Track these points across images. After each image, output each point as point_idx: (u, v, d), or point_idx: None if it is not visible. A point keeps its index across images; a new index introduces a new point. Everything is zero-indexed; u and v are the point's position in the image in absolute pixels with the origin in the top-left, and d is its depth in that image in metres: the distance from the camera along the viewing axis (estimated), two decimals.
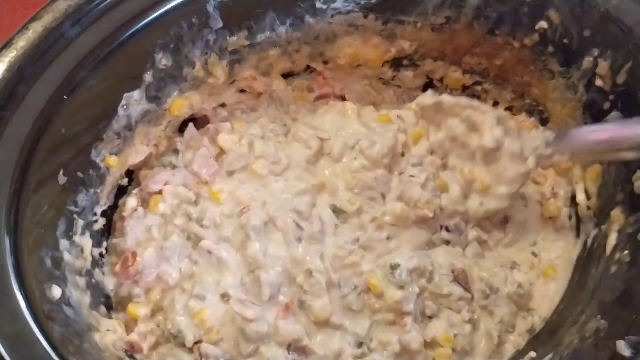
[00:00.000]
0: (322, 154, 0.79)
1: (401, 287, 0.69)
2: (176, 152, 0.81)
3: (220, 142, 0.79)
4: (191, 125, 0.80)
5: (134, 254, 0.72)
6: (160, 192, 0.77)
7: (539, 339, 0.71)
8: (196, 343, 0.68)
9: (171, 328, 0.68)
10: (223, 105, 0.83)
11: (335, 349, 0.69)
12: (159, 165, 0.80)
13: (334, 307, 0.70)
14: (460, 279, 0.71)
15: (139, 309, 0.70)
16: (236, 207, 0.75)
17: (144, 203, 0.77)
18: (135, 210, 0.75)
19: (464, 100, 0.74)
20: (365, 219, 0.74)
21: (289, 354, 0.68)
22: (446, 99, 0.75)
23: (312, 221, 0.73)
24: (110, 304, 0.72)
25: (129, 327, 0.70)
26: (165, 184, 0.77)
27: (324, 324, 0.69)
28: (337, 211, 0.75)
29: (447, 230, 0.75)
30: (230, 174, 0.78)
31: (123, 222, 0.75)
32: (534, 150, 0.71)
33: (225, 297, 0.70)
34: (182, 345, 0.68)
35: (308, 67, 0.85)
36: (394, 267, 0.70)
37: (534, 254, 0.77)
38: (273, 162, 0.77)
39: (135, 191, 0.77)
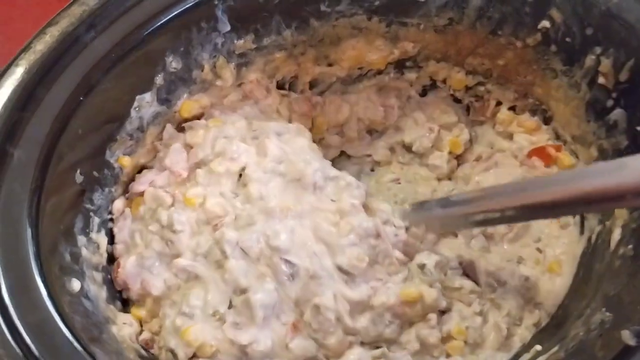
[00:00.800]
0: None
1: (430, 285, 0.71)
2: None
3: (187, 139, 0.77)
4: (169, 125, 0.78)
5: (118, 264, 0.72)
6: (142, 194, 0.75)
7: (544, 333, 0.72)
8: (192, 358, 0.67)
9: (163, 345, 0.67)
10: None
11: (354, 358, 0.68)
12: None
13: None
14: (469, 270, 0.72)
15: (141, 312, 0.71)
16: (208, 219, 0.71)
17: (130, 204, 0.76)
18: (122, 212, 0.75)
19: None
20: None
21: None
22: None
23: (300, 257, 0.68)
24: (124, 300, 0.73)
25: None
26: (150, 184, 0.75)
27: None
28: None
29: None
30: (197, 166, 0.75)
31: (115, 226, 0.74)
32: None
33: (216, 315, 0.67)
34: None
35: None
36: (421, 267, 0.71)
37: (539, 250, 0.78)
38: (230, 159, 0.74)
39: (127, 194, 0.76)
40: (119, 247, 0.73)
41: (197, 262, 0.69)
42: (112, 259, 0.74)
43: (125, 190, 0.77)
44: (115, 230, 0.74)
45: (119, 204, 0.75)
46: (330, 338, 0.67)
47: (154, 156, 0.78)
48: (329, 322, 0.66)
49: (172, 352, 0.66)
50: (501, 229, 0.78)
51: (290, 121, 0.83)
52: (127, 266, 0.70)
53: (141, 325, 0.71)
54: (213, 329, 0.66)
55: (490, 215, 0.63)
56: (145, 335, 0.69)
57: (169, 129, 0.78)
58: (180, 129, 0.79)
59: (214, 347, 0.65)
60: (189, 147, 0.77)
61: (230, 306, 0.68)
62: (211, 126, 0.78)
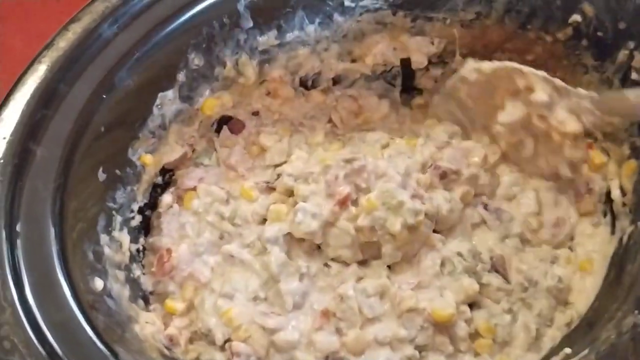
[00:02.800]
0: None
1: (470, 274, 0.71)
2: (208, 152, 0.82)
3: (261, 141, 0.81)
4: (225, 127, 0.82)
5: (169, 250, 0.74)
6: (194, 189, 0.78)
7: (574, 335, 0.70)
8: (227, 341, 0.69)
9: (201, 327, 0.69)
10: (256, 114, 0.84)
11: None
12: (193, 165, 0.81)
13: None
14: (499, 265, 0.71)
15: (175, 304, 0.72)
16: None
17: (179, 200, 0.78)
18: (171, 206, 0.77)
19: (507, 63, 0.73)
20: None
21: None
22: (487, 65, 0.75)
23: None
24: (147, 298, 0.73)
25: (166, 322, 0.71)
26: (200, 181, 0.78)
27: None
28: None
29: (485, 208, 0.75)
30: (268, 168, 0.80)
31: (159, 219, 0.77)
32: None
33: (256, 299, 0.70)
34: (213, 343, 0.69)
35: None
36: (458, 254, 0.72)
37: (570, 248, 0.77)
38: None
39: (172, 189, 0.79)
40: (164, 240, 0.75)
41: (243, 250, 0.73)
42: (134, 258, 0.73)
43: (155, 189, 0.78)
44: (164, 224, 0.76)
45: (167, 198, 0.77)
46: (351, 332, 0.67)
47: (187, 154, 0.79)
48: (351, 311, 0.67)
49: (210, 332, 0.68)
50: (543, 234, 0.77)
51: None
52: (180, 252, 0.73)
53: (165, 325, 0.71)
54: (248, 310, 0.69)
55: None
56: (172, 330, 0.69)
57: (226, 131, 0.82)
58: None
59: (248, 332, 0.67)
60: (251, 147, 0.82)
61: (266, 296, 0.71)
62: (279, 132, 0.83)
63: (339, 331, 0.68)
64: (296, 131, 0.83)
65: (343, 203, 0.71)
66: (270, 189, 0.79)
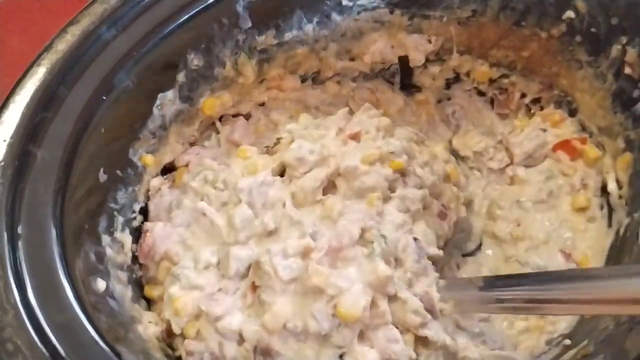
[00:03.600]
0: None
1: None
2: (209, 136, 0.82)
3: (272, 116, 0.82)
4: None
5: (146, 231, 0.72)
6: (187, 165, 0.77)
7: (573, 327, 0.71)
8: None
9: (163, 320, 0.67)
10: (262, 104, 0.84)
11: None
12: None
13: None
14: None
15: (153, 291, 0.70)
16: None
17: (172, 182, 0.77)
18: (159, 189, 0.75)
19: None
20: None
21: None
22: None
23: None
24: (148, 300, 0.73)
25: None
26: (196, 156, 0.77)
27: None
28: None
29: None
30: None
31: (149, 203, 0.75)
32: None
33: (208, 267, 0.67)
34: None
35: None
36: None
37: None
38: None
39: (166, 175, 0.78)
40: (150, 220, 0.74)
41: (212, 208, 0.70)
42: (136, 258, 0.73)
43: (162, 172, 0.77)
44: (151, 207, 0.74)
45: (155, 181, 0.75)
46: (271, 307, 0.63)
47: (183, 152, 0.79)
48: (267, 276, 0.63)
49: (169, 325, 0.66)
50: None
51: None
52: (156, 229, 0.71)
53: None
54: (196, 299, 0.65)
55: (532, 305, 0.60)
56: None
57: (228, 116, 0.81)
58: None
59: (195, 327, 0.65)
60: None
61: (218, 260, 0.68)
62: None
63: (263, 304, 0.63)
64: (311, 114, 0.82)
65: (354, 137, 0.71)
66: (269, 152, 0.78)
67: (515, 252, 0.77)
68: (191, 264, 0.68)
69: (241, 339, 0.64)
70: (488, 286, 0.63)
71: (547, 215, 0.79)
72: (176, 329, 0.66)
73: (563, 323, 0.70)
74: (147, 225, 0.73)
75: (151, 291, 0.71)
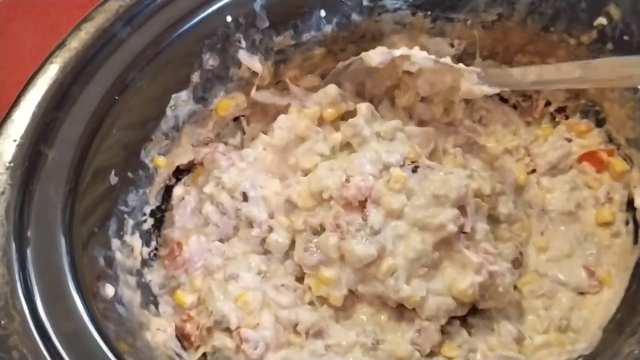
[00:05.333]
0: None
1: None
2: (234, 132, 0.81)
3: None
4: None
5: (179, 244, 0.73)
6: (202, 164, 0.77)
7: (595, 348, 0.69)
8: (235, 329, 0.68)
9: (215, 314, 0.68)
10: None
11: None
12: None
13: None
14: None
15: (185, 295, 0.71)
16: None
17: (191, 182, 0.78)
18: (182, 199, 0.76)
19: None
20: None
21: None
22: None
23: None
24: (158, 303, 0.72)
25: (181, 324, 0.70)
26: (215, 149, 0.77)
27: None
28: None
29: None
30: None
31: (171, 212, 0.76)
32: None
33: (260, 273, 0.71)
34: (226, 330, 0.68)
35: None
36: None
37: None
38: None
39: (185, 179, 0.78)
40: (177, 232, 0.74)
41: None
42: (145, 262, 0.72)
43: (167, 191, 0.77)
44: (176, 218, 0.75)
45: (179, 190, 0.76)
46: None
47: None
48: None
49: (224, 318, 0.67)
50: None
51: None
52: (191, 244, 0.72)
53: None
54: (257, 292, 0.69)
55: None
56: (188, 328, 0.69)
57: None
58: None
59: (256, 319, 0.67)
60: None
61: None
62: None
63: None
64: None
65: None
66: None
67: (536, 261, 0.75)
68: (244, 266, 0.71)
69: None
70: None
71: (572, 227, 0.76)
72: (234, 323, 0.67)
73: (583, 343, 0.68)
74: (176, 234, 0.74)
75: (184, 297, 0.70)
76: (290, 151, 0.75)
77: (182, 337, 0.69)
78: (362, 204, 0.68)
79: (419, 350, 0.67)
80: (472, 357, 0.68)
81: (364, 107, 0.74)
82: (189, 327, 0.69)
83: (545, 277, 0.74)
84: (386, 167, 0.69)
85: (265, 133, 0.77)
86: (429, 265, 0.67)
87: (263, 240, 0.73)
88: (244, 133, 0.81)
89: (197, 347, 0.69)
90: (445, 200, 0.67)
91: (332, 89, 0.76)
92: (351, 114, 0.76)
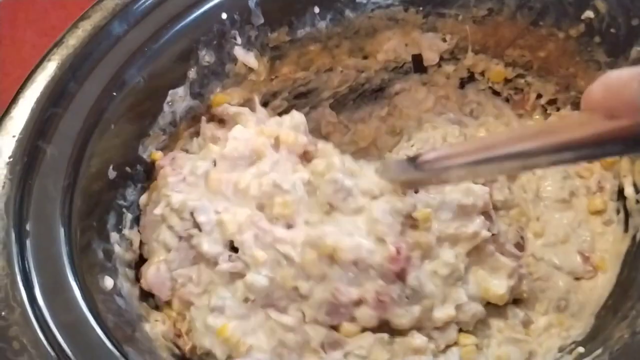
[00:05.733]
0: None
1: None
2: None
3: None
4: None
5: (140, 272, 0.68)
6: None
7: (587, 335, 0.70)
8: (228, 358, 0.63)
9: (199, 348, 0.64)
10: None
11: None
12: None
13: None
14: None
15: (172, 313, 0.67)
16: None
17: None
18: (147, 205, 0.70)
19: None
20: None
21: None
22: None
23: None
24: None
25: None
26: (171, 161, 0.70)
27: None
28: None
29: None
30: None
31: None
32: None
33: (247, 301, 0.62)
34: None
35: None
36: None
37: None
38: None
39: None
40: (146, 248, 0.69)
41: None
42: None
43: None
44: (143, 236, 0.69)
45: (144, 198, 0.70)
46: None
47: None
48: None
49: (210, 354, 0.63)
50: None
51: None
52: (149, 275, 0.66)
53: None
54: (245, 320, 0.62)
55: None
56: (181, 342, 0.67)
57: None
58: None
59: (246, 345, 0.61)
60: None
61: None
62: None
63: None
64: None
65: None
66: None
67: (532, 246, 0.76)
68: (228, 294, 0.63)
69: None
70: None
71: (566, 215, 0.78)
72: (221, 357, 0.62)
73: (578, 329, 0.69)
74: (146, 255, 0.69)
75: (170, 313, 0.67)
76: (240, 169, 0.66)
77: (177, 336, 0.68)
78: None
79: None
80: (486, 343, 0.68)
81: (336, 161, 0.65)
82: (181, 342, 0.67)
83: (542, 261, 0.75)
84: (409, 214, 0.63)
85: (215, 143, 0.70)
86: (460, 278, 0.65)
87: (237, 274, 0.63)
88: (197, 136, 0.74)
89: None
90: (472, 209, 0.66)
91: (297, 116, 0.70)
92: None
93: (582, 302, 0.73)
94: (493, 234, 0.67)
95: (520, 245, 0.74)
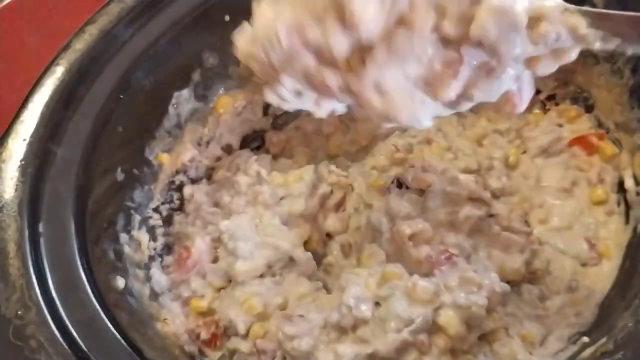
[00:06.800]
0: None
1: None
2: None
3: None
4: None
5: (187, 247, 0.74)
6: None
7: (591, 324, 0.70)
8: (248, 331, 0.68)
9: (223, 320, 0.69)
10: None
11: None
12: None
13: None
14: None
15: (200, 303, 0.71)
16: None
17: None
18: (192, 196, 0.77)
19: None
20: None
21: None
22: None
23: None
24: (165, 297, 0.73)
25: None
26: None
27: None
28: None
29: None
30: None
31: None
32: None
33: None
34: (237, 334, 0.69)
35: None
36: None
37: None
38: None
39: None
40: (190, 229, 0.75)
41: None
42: (152, 257, 0.73)
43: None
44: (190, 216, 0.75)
45: (188, 189, 0.77)
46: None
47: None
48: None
49: (231, 324, 0.67)
50: None
51: None
52: (197, 245, 0.73)
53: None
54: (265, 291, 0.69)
55: None
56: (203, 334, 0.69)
57: None
58: None
59: (264, 328, 0.67)
60: None
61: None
62: None
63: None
64: None
65: None
66: None
67: (537, 231, 0.76)
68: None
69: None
70: None
71: (569, 203, 0.78)
72: (242, 328, 0.67)
73: (583, 318, 0.70)
74: (192, 232, 0.75)
75: (198, 303, 0.71)
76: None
77: (199, 343, 0.69)
78: None
79: None
80: (512, 322, 0.68)
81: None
82: (203, 333, 0.69)
83: (547, 244, 0.75)
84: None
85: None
86: (467, 255, 0.68)
87: None
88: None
89: (215, 348, 0.69)
90: (458, 197, 0.69)
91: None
92: None
93: (590, 288, 0.72)
94: (491, 215, 0.70)
95: (526, 224, 0.75)
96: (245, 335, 0.68)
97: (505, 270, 0.68)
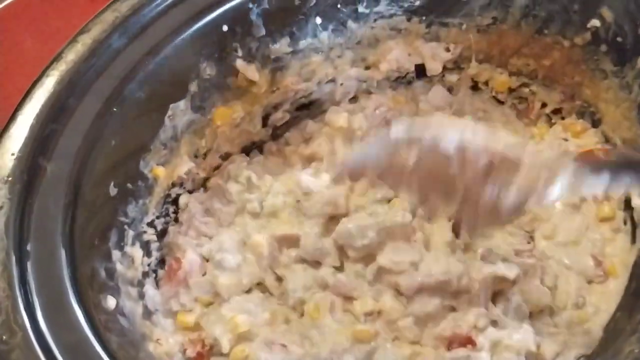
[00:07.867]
0: None
1: None
2: None
3: None
4: None
5: (177, 259, 0.72)
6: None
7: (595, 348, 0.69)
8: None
9: (208, 338, 0.68)
10: None
11: None
12: None
13: None
14: None
15: (186, 317, 0.70)
16: None
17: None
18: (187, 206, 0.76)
19: None
20: None
21: None
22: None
23: None
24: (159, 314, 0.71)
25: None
26: None
27: None
28: None
29: None
30: None
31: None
32: None
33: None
34: (221, 354, 0.67)
35: None
36: None
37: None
38: None
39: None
40: (181, 239, 0.74)
41: None
42: (146, 273, 0.71)
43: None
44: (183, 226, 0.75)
45: (184, 198, 0.76)
46: None
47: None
48: None
49: (216, 342, 0.66)
50: None
51: None
52: (189, 257, 0.72)
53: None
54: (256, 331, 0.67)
55: None
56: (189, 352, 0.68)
57: None
58: None
59: (245, 352, 0.65)
60: None
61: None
62: None
63: None
64: None
65: None
66: None
67: (542, 246, 0.74)
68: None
69: None
70: None
71: (576, 219, 0.76)
72: (226, 347, 0.65)
73: (587, 338, 0.68)
74: (183, 242, 0.74)
75: (185, 318, 0.69)
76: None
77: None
78: None
79: None
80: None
81: None
82: (189, 351, 0.68)
83: (552, 259, 0.73)
84: None
85: None
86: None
87: None
88: None
89: None
90: None
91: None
92: None
93: (596, 305, 0.71)
94: None
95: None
96: (228, 355, 0.66)
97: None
